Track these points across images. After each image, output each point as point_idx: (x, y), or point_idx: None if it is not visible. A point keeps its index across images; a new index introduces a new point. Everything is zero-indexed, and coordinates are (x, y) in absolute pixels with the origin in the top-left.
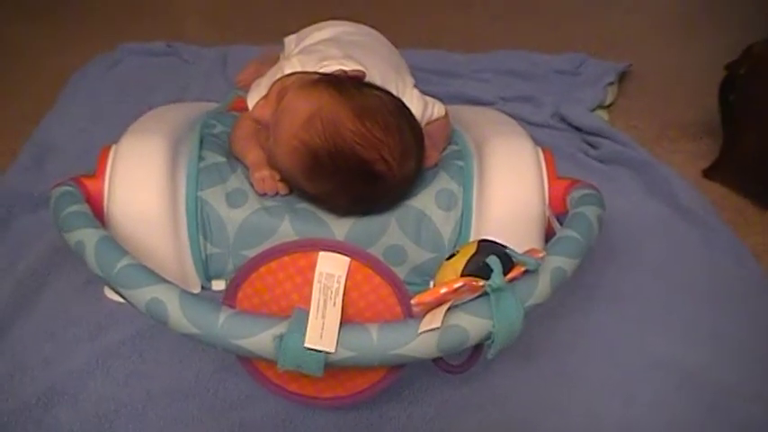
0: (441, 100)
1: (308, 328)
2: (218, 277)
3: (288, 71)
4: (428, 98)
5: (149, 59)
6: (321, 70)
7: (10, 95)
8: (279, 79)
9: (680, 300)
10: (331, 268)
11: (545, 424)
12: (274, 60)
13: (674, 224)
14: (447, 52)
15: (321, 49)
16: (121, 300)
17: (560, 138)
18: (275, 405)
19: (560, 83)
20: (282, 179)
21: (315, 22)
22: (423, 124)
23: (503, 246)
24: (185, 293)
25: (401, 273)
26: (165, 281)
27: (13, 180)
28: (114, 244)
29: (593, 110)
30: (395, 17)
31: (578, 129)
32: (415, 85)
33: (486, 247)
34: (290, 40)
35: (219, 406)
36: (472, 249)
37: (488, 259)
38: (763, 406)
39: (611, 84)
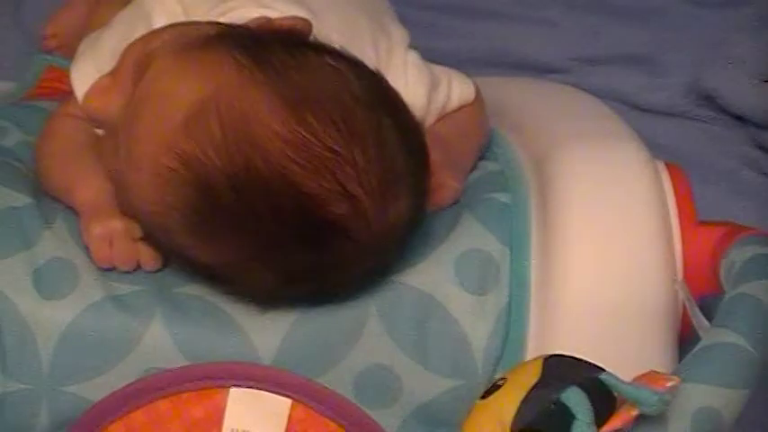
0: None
1: None
2: None
3: (157, 20)
4: (438, 68)
5: None
6: (221, 19)
7: None
8: (140, 38)
9: None
10: (252, 421)
11: None
12: None
13: None
14: None
15: None
16: None
17: (704, 138)
18: None
19: (697, 23)
20: (147, 237)
21: None
22: (430, 119)
23: (593, 367)
24: None
25: (393, 419)
26: None
27: None
28: None
29: None
30: None
31: (742, 118)
32: (411, 45)
33: (560, 369)
34: None
35: None
36: (534, 375)
37: (565, 395)
38: None
39: None
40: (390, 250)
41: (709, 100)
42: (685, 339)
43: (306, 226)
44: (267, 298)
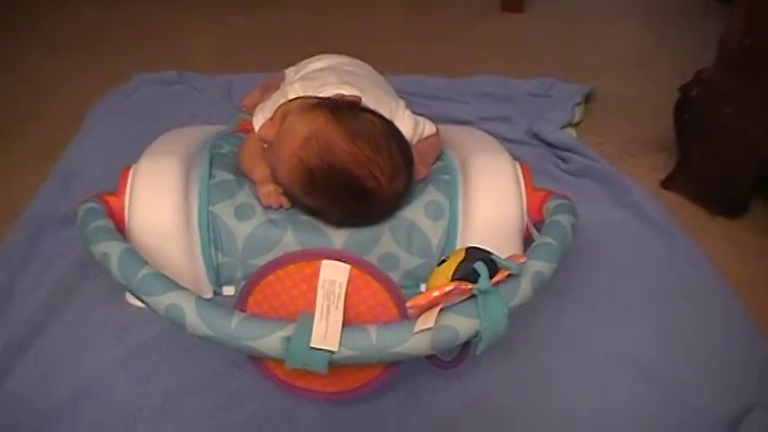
0: (431, 119)
1: (313, 330)
2: (228, 283)
3: (291, 96)
4: (419, 118)
5: (161, 88)
6: (320, 95)
7: (35, 124)
8: (283, 103)
9: (641, 298)
10: (333, 275)
11: (528, 413)
12: (276, 87)
13: (636, 230)
14: (429, 77)
15: (320, 76)
16: (142, 305)
17: (534, 153)
18: (283, 400)
19: (533, 104)
20: (285, 193)
21: (310, 55)
22: (414, 141)
23: (488, 252)
24: (201, 299)
25: (394, 277)
26: (182, 288)
27: (41, 202)
28: (136, 255)
29: (563, 128)
30: (382, 51)
31: (550, 145)
32: (407, 107)
33: (474, 253)
34: (290, 71)
35: (231, 401)
36: (461, 256)
37: (476, 265)
38: (711, 392)
39: (579, 104)
40: (395, 203)
41: (536, 136)
42: (527, 241)
43: (355, 191)
44: (337, 222)
